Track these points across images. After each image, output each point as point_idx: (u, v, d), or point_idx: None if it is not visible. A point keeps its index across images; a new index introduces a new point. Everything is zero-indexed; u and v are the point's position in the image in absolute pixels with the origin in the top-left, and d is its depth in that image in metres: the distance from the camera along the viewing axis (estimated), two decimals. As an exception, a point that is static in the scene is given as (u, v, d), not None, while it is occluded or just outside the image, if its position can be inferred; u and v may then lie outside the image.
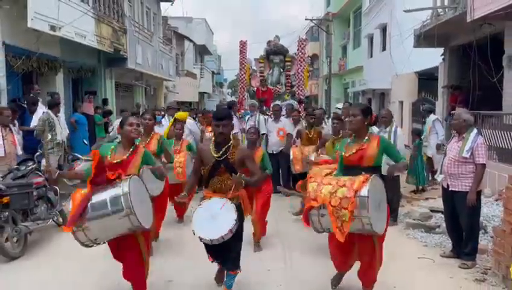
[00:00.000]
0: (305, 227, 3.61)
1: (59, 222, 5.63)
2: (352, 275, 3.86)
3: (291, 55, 12.79)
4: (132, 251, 3.47)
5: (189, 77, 26.94)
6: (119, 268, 4.23)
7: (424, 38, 10.52)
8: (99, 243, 3.34)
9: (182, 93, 23.70)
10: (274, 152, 8.38)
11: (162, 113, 8.95)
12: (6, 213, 4.69)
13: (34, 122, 7.24)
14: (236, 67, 12.68)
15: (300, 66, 12.07)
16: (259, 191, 5.10)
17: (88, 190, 3.26)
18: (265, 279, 4.27)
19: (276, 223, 6.23)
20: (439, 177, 5.13)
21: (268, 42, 12.91)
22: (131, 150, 3.62)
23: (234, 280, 3.68)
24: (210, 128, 7.35)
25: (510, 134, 7.12)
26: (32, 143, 6.93)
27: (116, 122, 9.34)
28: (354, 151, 3.57)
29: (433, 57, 12.07)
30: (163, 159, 4.91)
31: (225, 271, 3.76)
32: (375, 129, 6.80)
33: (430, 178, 8.41)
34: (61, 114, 7.47)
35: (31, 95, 8.36)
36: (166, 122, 7.83)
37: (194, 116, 10.19)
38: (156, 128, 5.62)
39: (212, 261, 3.74)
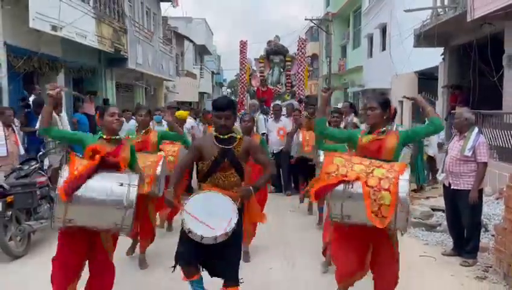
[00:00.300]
0: (312, 201, 3.25)
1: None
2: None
3: (291, 55, 12.83)
4: (101, 254, 3.20)
5: (189, 77, 26.97)
6: (121, 267, 4.26)
7: (424, 38, 10.55)
8: (68, 226, 2.95)
9: (182, 93, 23.72)
10: (274, 151, 8.44)
11: (163, 113, 8.96)
12: (10, 212, 4.71)
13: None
14: (236, 67, 12.75)
15: (301, 66, 12.11)
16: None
17: (94, 162, 3.01)
18: (267, 278, 4.30)
19: (276, 223, 6.26)
20: (440, 176, 5.17)
21: (269, 42, 12.95)
22: (115, 141, 3.34)
23: None
24: (211, 129, 7.25)
25: (510, 133, 7.15)
26: (35, 143, 6.94)
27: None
28: (372, 139, 3.14)
29: (433, 57, 12.10)
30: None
31: None
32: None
33: (430, 177, 8.45)
34: (63, 114, 7.49)
35: (33, 96, 8.37)
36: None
37: (195, 116, 10.22)
38: (157, 128, 5.63)
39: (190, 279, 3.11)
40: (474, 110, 8.48)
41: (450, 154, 4.82)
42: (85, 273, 3.27)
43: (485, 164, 4.59)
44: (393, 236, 3.05)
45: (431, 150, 8.46)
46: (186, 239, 3.00)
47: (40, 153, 5.61)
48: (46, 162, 5.86)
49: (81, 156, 3.23)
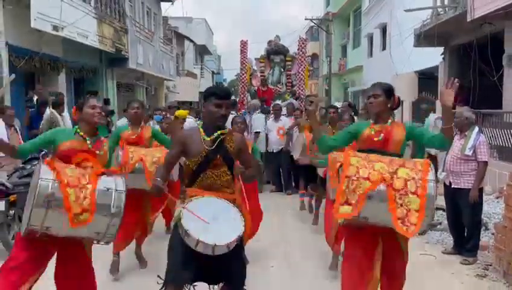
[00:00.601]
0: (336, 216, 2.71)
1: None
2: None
3: (292, 54, 12.85)
4: (80, 261, 2.85)
5: (190, 76, 27.03)
6: (124, 264, 4.28)
7: (424, 38, 10.59)
8: (44, 233, 2.59)
9: (183, 93, 23.77)
10: (274, 151, 8.49)
11: (163, 112, 9.01)
12: (13, 211, 4.74)
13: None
14: (236, 67, 12.78)
15: (301, 65, 12.13)
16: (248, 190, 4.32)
17: (96, 176, 2.69)
18: (268, 276, 4.33)
19: (277, 222, 6.30)
20: (441, 175, 5.20)
21: (269, 42, 12.96)
22: (94, 138, 2.96)
23: None
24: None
25: (510, 132, 7.18)
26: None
27: (120, 122, 9.38)
28: (377, 129, 2.87)
29: (433, 57, 12.13)
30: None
31: None
32: None
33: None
34: (66, 113, 7.53)
35: (34, 95, 8.41)
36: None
37: (195, 115, 10.25)
38: (157, 128, 5.62)
39: None
40: (475, 110, 8.52)
41: (450, 153, 4.85)
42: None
43: (486, 163, 4.62)
44: (403, 241, 2.81)
45: (433, 149, 8.50)
46: (179, 251, 2.56)
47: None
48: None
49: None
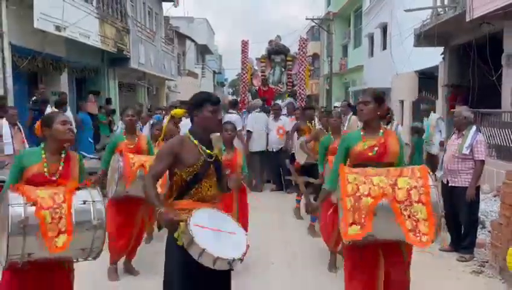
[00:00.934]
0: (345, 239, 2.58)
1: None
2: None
3: (293, 54, 12.93)
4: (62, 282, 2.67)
5: (191, 76, 27.11)
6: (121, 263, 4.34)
7: (424, 38, 10.64)
8: (27, 261, 2.41)
9: (184, 93, 23.80)
10: (274, 150, 8.57)
11: (164, 112, 9.11)
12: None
13: None
14: (237, 67, 12.84)
15: (302, 65, 12.21)
16: (240, 202, 4.36)
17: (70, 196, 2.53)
18: (268, 274, 4.39)
19: (277, 220, 6.37)
20: (439, 174, 5.27)
21: (270, 42, 13.03)
22: (63, 156, 2.71)
23: None
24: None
25: (508, 131, 7.24)
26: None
27: (121, 123, 9.47)
28: (369, 145, 2.80)
29: (433, 56, 12.18)
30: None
31: None
32: None
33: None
34: (68, 113, 7.61)
35: (36, 95, 8.49)
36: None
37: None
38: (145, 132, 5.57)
39: None
40: (474, 109, 8.58)
41: (448, 152, 4.92)
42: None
43: (483, 162, 4.69)
44: (404, 248, 2.72)
45: (434, 148, 8.57)
46: (187, 276, 2.40)
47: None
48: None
49: (86, 154, 2.90)
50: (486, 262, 4.47)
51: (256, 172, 8.65)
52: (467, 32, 9.51)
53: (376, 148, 2.79)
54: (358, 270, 2.72)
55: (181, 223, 2.36)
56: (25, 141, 6.36)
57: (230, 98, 19.43)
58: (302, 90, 12.18)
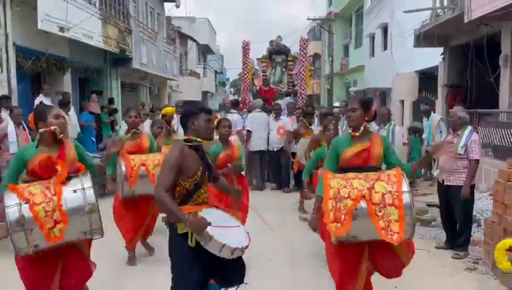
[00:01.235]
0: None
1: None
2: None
3: (293, 54, 13.03)
4: (79, 261, 2.95)
5: (193, 76, 27.21)
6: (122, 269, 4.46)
7: (423, 38, 10.73)
8: (36, 251, 2.68)
9: (186, 93, 23.94)
10: (274, 149, 8.67)
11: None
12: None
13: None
14: (239, 66, 12.94)
15: (302, 65, 12.32)
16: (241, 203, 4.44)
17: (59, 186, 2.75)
18: (267, 270, 4.50)
19: (277, 218, 6.47)
20: (435, 172, 5.38)
21: (271, 42, 13.14)
22: (57, 145, 2.95)
23: None
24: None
25: (505, 131, 7.33)
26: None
27: (123, 125, 9.60)
28: (357, 151, 3.06)
29: (433, 57, 12.27)
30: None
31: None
32: (374, 126, 7.00)
33: (428, 174, 8.72)
34: (72, 113, 7.73)
35: (42, 95, 8.59)
36: (176, 118, 8.16)
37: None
38: (147, 129, 5.77)
39: None
40: (471, 109, 8.68)
41: (443, 151, 5.02)
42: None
43: (477, 161, 4.79)
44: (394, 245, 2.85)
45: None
46: (190, 266, 2.65)
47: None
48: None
49: (89, 153, 3.12)
50: (480, 259, 4.58)
51: (256, 171, 8.77)
52: (465, 33, 9.60)
53: (364, 155, 3.06)
54: (343, 260, 2.97)
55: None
56: (29, 139, 6.48)
57: (232, 98, 19.56)
58: (303, 90, 12.30)
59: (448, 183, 4.89)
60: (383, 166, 3.22)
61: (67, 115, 7.49)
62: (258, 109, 9.14)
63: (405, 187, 2.75)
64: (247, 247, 2.68)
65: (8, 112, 6.63)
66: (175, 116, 8.18)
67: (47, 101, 8.16)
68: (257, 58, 13.10)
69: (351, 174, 2.91)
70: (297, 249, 5.20)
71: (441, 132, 8.72)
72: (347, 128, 3.26)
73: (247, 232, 2.80)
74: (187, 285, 2.65)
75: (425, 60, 13.18)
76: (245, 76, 12.52)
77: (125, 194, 4.27)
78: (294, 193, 8.09)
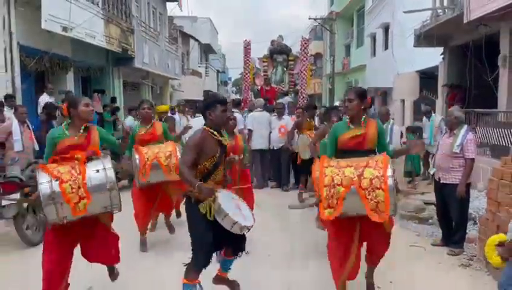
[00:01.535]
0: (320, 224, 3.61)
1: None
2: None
3: (295, 54, 13.10)
4: (98, 233, 3.34)
5: (195, 75, 27.30)
6: (134, 251, 4.58)
7: (424, 38, 10.80)
8: (63, 223, 3.07)
9: (188, 92, 24.05)
10: (275, 148, 8.75)
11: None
12: (27, 203, 5.05)
13: None
14: (240, 66, 13.01)
15: (303, 65, 12.39)
16: (245, 190, 4.92)
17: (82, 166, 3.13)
18: (266, 264, 4.59)
19: (277, 216, 6.56)
20: (431, 170, 5.46)
21: (272, 42, 13.21)
22: (83, 128, 3.34)
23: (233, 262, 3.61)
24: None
25: (503, 131, 7.40)
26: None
27: (126, 120, 9.70)
28: (354, 134, 3.45)
29: (434, 57, 12.33)
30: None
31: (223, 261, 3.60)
32: None
33: (426, 173, 8.80)
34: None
35: (46, 94, 8.70)
36: (177, 118, 8.32)
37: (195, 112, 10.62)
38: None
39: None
40: (469, 109, 8.76)
41: (440, 150, 5.10)
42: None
43: (473, 160, 4.86)
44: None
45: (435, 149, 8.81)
46: (206, 234, 3.17)
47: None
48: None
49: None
50: (475, 256, 4.66)
51: (257, 170, 8.85)
52: (465, 33, 9.66)
53: (359, 139, 3.45)
54: (338, 233, 3.43)
55: (214, 204, 3.13)
56: (34, 138, 6.59)
57: (234, 97, 19.64)
58: (304, 89, 12.37)
59: (444, 182, 4.97)
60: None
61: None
62: (259, 108, 9.22)
63: (389, 172, 3.14)
64: (252, 227, 3.21)
65: (13, 110, 6.73)
66: (177, 114, 8.35)
67: (51, 100, 8.28)
68: (258, 58, 13.16)
69: (343, 163, 3.28)
70: (295, 243, 5.27)
71: (441, 132, 8.80)
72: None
73: (253, 214, 3.37)
74: (204, 242, 3.19)
75: (425, 60, 13.25)
76: (246, 75, 12.60)
77: (141, 185, 4.77)
78: (293, 191, 8.19)
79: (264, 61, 12.95)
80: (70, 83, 10.73)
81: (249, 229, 3.19)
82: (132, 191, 5.04)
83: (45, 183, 3.00)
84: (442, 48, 11.76)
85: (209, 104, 3.35)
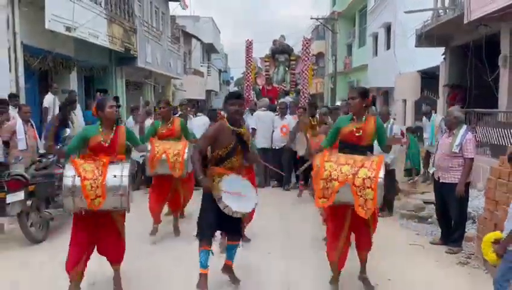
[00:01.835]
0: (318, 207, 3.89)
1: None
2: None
3: (296, 54, 13.14)
4: (110, 227, 3.68)
5: (197, 75, 27.37)
6: (138, 248, 4.65)
7: (425, 38, 10.83)
8: (81, 212, 3.50)
9: (190, 91, 24.11)
10: (277, 148, 8.81)
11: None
12: (31, 201, 5.13)
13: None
14: (243, 65, 13.04)
15: (305, 64, 12.44)
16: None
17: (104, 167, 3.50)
18: (265, 262, 4.65)
19: (277, 215, 6.62)
20: (431, 170, 5.51)
21: (274, 41, 13.25)
22: (113, 129, 3.75)
23: (236, 251, 3.91)
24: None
25: (503, 131, 7.43)
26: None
27: (128, 120, 9.77)
28: (353, 128, 3.78)
29: (435, 57, 12.35)
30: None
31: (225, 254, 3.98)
32: None
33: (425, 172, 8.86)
34: (78, 110, 7.89)
35: (50, 93, 8.76)
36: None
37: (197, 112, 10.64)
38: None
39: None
40: (469, 109, 8.79)
41: (439, 150, 5.15)
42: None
43: (472, 160, 4.91)
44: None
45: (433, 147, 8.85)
46: (209, 211, 3.66)
47: (57, 147, 6.02)
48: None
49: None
50: (473, 254, 4.72)
51: (259, 169, 8.90)
52: (466, 33, 9.69)
53: (361, 132, 3.77)
54: (334, 217, 3.83)
55: (216, 187, 3.60)
56: (37, 137, 6.66)
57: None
58: (306, 89, 12.42)
59: (443, 181, 5.02)
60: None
61: (74, 114, 7.64)
62: (263, 108, 9.27)
63: (381, 174, 3.46)
64: (247, 213, 3.73)
65: (17, 109, 6.80)
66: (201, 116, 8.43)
67: (56, 99, 8.35)
68: (260, 58, 13.21)
69: (342, 160, 3.60)
70: (295, 241, 5.33)
71: (442, 131, 8.85)
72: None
73: (256, 203, 3.74)
74: (204, 217, 3.73)
75: (427, 60, 13.27)
76: (248, 75, 12.66)
77: (149, 174, 5.31)
78: (294, 190, 8.25)
79: (266, 61, 13.01)
80: (73, 82, 10.79)
81: (243, 215, 3.72)
82: (149, 189, 5.67)
83: (69, 177, 3.38)
84: (444, 48, 11.79)
85: (225, 99, 3.88)
